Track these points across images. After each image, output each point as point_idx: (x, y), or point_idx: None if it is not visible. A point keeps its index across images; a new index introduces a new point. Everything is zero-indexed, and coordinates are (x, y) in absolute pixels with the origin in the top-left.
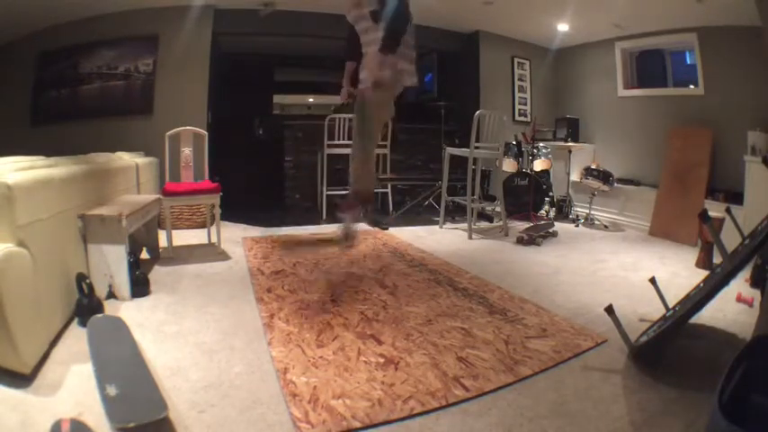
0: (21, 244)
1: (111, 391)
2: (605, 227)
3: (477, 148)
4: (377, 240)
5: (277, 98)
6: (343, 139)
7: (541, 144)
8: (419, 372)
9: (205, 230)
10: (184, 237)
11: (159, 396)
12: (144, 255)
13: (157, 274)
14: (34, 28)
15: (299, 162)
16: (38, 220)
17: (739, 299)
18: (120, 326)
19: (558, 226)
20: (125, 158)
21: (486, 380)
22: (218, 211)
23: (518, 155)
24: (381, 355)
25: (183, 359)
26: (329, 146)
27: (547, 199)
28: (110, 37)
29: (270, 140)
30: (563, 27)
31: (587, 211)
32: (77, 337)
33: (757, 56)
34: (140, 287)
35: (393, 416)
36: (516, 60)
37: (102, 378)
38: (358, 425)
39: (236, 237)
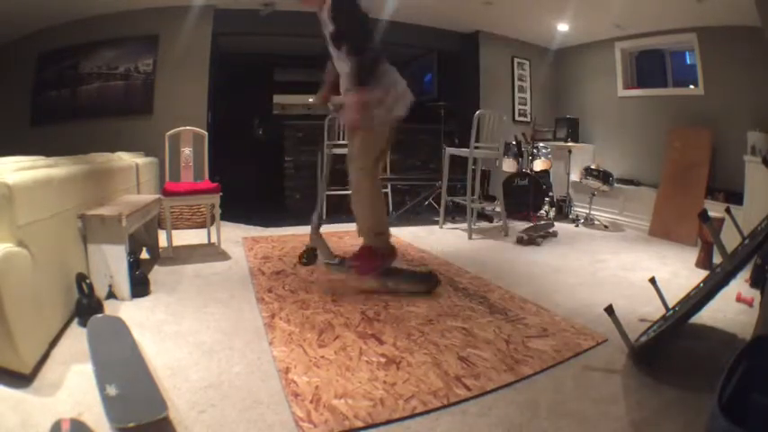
0: (21, 244)
1: (111, 391)
2: (605, 227)
3: (477, 148)
4: None
5: (277, 98)
6: (343, 139)
7: (541, 144)
8: (420, 371)
9: (205, 230)
10: (184, 237)
11: (159, 396)
12: (144, 255)
13: (157, 274)
14: (34, 28)
15: (299, 162)
16: (38, 220)
17: (739, 299)
18: (119, 326)
19: (558, 226)
20: (125, 158)
21: (487, 379)
22: (218, 211)
23: (518, 155)
24: (383, 355)
25: (182, 359)
26: (329, 146)
27: (547, 199)
28: (110, 37)
29: (270, 140)
30: (563, 27)
31: (587, 211)
32: (77, 337)
33: (757, 56)
34: (140, 287)
35: (395, 415)
36: (516, 60)
37: (102, 378)
38: (360, 424)
39: (236, 237)
